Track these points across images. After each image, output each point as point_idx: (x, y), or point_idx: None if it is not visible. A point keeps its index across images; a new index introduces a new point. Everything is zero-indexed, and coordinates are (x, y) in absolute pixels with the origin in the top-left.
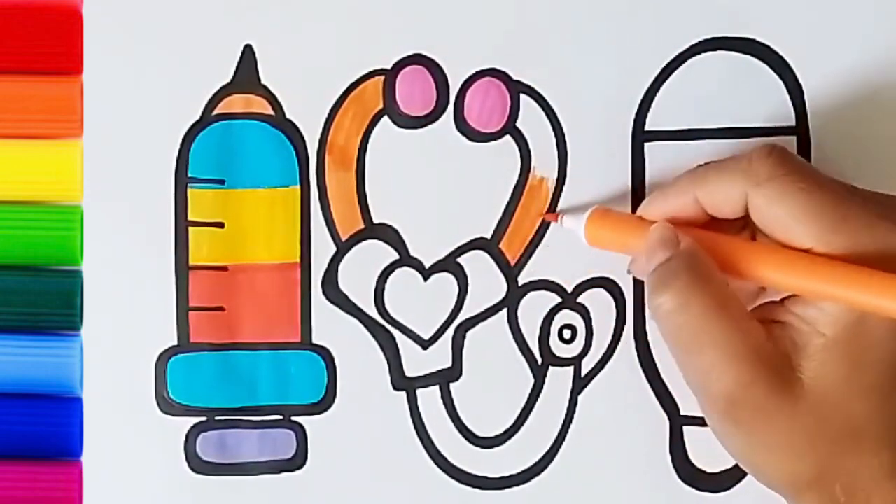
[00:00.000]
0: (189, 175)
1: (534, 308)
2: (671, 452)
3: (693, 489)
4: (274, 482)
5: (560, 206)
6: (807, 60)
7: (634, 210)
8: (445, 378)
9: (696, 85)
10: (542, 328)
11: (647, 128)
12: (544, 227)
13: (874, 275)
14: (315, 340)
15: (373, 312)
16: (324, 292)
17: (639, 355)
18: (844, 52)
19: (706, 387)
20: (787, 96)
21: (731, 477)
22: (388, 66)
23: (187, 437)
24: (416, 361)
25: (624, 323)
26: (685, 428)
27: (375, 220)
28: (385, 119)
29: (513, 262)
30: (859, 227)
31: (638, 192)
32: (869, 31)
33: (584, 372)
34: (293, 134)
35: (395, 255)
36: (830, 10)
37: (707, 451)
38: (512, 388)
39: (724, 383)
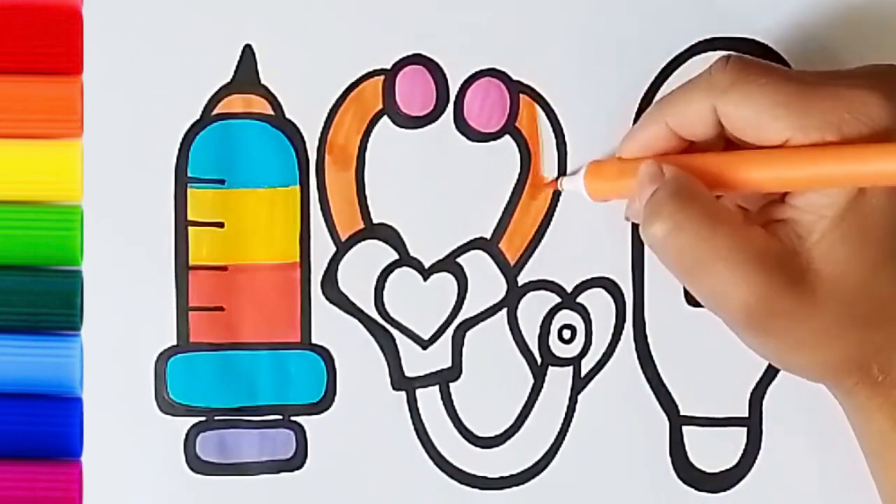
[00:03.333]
0: (189, 175)
1: (533, 308)
2: (671, 452)
3: (693, 489)
4: (273, 482)
5: (559, 206)
6: (806, 60)
7: None
8: (445, 378)
9: None
10: (541, 328)
11: None
12: (544, 226)
13: (855, 147)
14: (315, 340)
15: (372, 312)
16: (323, 292)
17: (639, 355)
18: (843, 53)
19: (723, 304)
20: None
21: (731, 477)
22: (388, 66)
23: (187, 437)
24: (415, 361)
25: (624, 323)
26: (685, 428)
27: (375, 220)
28: (385, 119)
29: (512, 262)
30: (832, 105)
31: None
32: (868, 32)
33: (583, 372)
34: (293, 134)
35: (394, 255)
36: (830, 10)
37: (707, 452)
38: (512, 388)
39: (740, 296)
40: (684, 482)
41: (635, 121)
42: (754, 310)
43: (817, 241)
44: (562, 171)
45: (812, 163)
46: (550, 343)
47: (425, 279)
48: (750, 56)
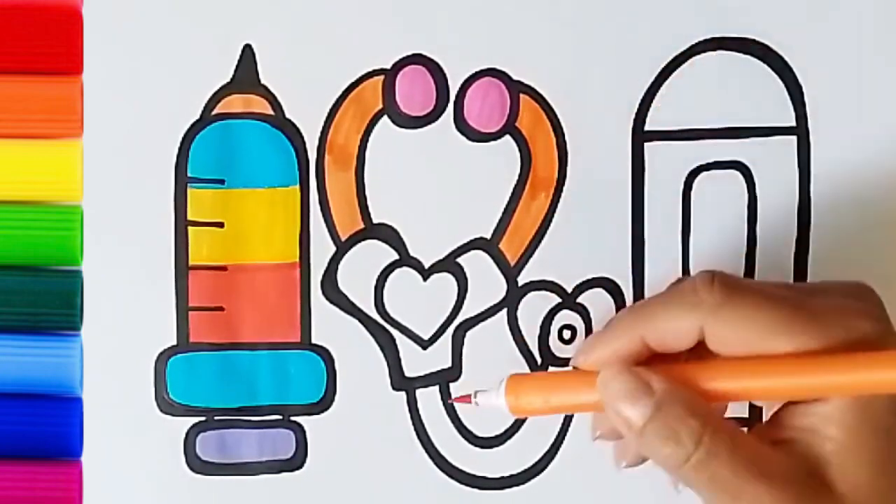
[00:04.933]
0: (189, 175)
1: (533, 308)
2: None
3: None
4: (273, 482)
5: (559, 206)
6: (807, 60)
7: (636, 215)
8: (445, 378)
9: (696, 85)
10: (541, 328)
11: (647, 128)
12: (544, 226)
13: (861, 356)
14: (314, 340)
15: (372, 312)
16: (323, 292)
17: None
18: (844, 52)
19: None
20: (787, 96)
21: None
22: (388, 66)
23: (187, 436)
24: (415, 361)
25: None
26: None
27: (375, 220)
28: (385, 119)
29: (513, 262)
30: (830, 322)
31: (637, 191)
32: (869, 31)
33: None
34: (293, 134)
35: (394, 255)
36: (830, 10)
37: None
38: None
39: None
40: None
41: (635, 121)
42: None
43: (830, 463)
44: (562, 171)
45: (819, 372)
46: (550, 343)
47: (425, 279)
48: (731, 274)
